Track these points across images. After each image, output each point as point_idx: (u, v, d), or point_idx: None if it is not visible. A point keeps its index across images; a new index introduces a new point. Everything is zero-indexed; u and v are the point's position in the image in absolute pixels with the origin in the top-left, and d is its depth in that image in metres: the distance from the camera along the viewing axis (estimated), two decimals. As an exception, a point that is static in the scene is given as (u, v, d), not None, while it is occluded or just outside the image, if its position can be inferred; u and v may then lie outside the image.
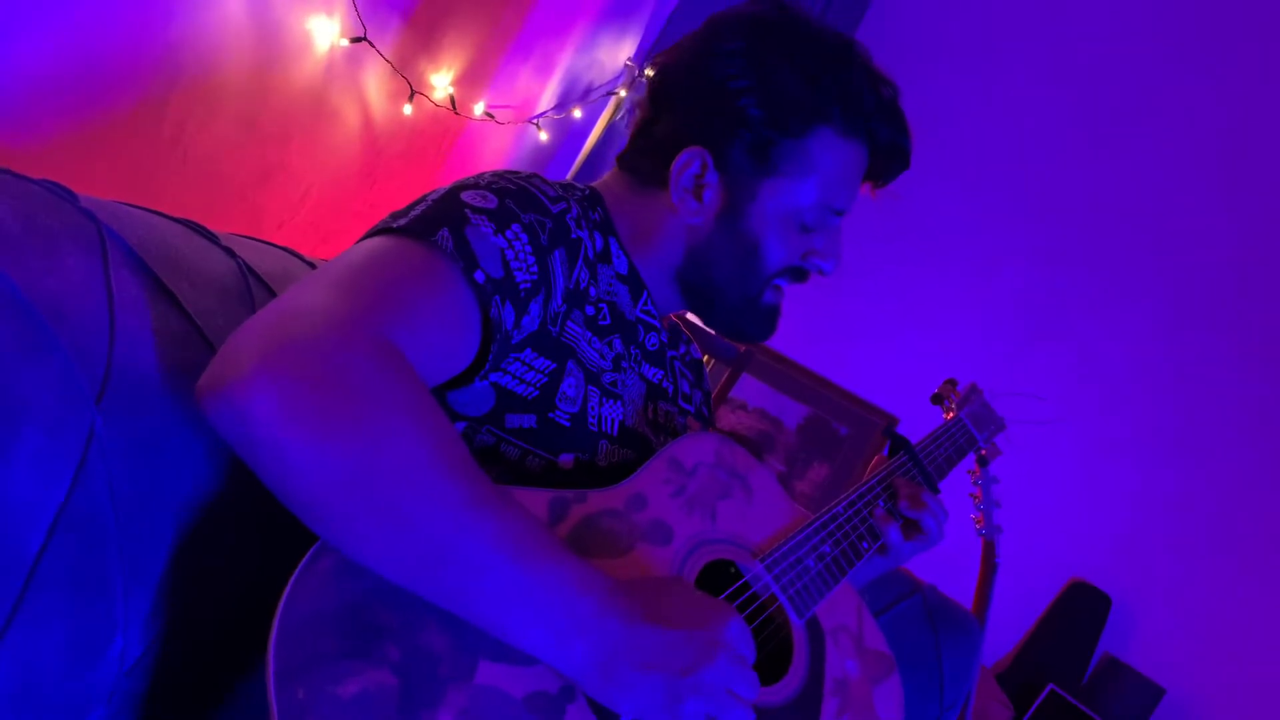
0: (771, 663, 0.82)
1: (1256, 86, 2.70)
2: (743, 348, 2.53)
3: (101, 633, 0.62)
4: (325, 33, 1.57)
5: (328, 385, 0.56)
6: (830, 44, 0.89)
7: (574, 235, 0.81)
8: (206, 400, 0.56)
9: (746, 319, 0.95)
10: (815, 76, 0.87)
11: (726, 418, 2.66)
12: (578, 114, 2.29)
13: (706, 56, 0.88)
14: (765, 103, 0.86)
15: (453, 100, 1.90)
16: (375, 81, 1.74)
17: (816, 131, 0.88)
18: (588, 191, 0.92)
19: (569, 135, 2.33)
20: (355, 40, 1.62)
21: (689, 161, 0.88)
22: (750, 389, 2.74)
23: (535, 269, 0.75)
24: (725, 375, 2.63)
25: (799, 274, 0.94)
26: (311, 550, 0.58)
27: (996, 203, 2.93)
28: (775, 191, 0.89)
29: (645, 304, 0.93)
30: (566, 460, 0.79)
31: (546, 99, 2.21)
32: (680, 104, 0.90)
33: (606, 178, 0.97)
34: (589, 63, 2.27)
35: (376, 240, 0.70)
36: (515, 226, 0.74)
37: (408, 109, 1.82)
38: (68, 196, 0.67)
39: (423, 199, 0.75)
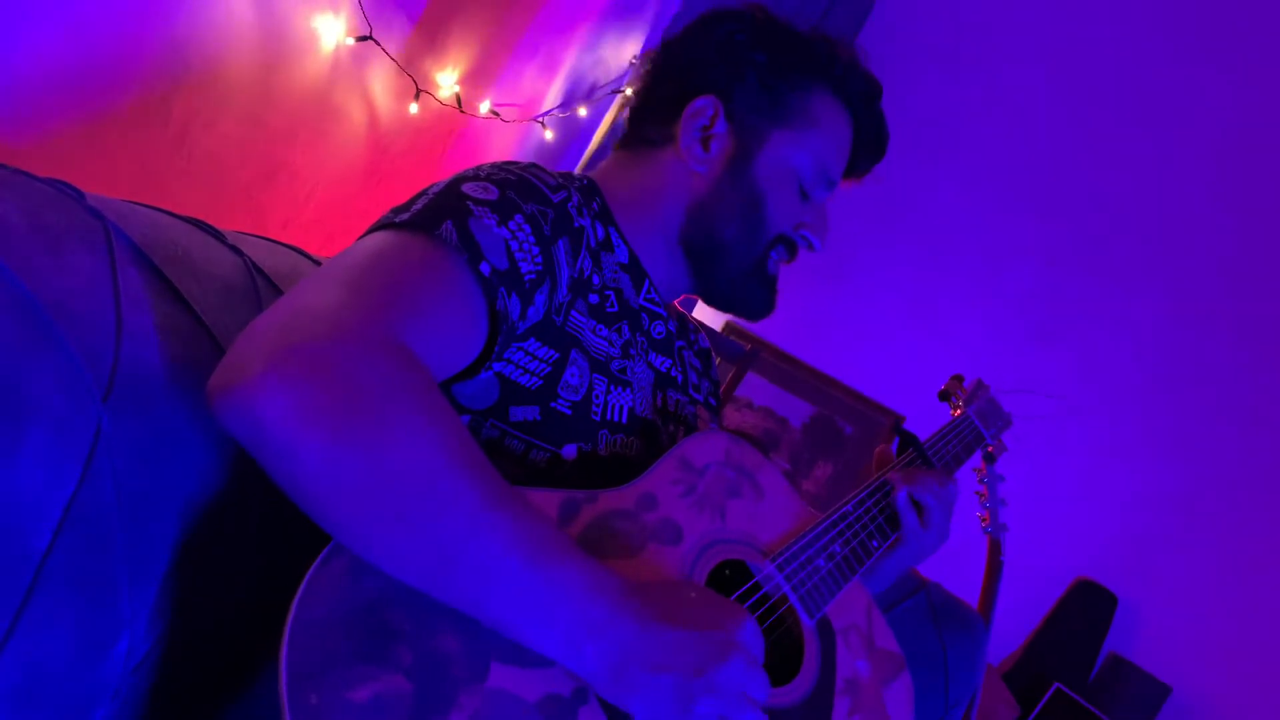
0: (783, 663, 0.82)
1: (1258, 87, 2.69)
2: (748, 346, 2.53)
3: (107, 630, 0.62)
4: (331, 31, 1.57)
5: (340, 386, 0.55)
6: (818, 38, 0.97)
7: (576, 224, 0.81)
8: (217, 402, 0.55)
9: (748, 286, 0.96)
10: (809, 44, 0.95)
11: (732, 416, 2.65)
12: (583, 112, 2.29)
13: (708, 24, 0.95)
14: (768, 50, 0.92)
15: (458, 99, 1.90)
16: (381, 80, 1.74)
17: (817, 88, 0.94)
18: (585, 181, 0.93)
19: (574, 134, 2.33)
20: (361, 39, 1.61)
21: (701, 109, 0.92)
22: (756, 387, 2.73)
23: (540, 259, 0.75)
24: (731, 374, 2.62)
25: (790, 246, 0.97)
26: (324, 552, 0.57)
27: (1001, 203, 2.92)
28: (782, 142, 0.93)
29: (648, 292, 0.93)
30: (569, 452, 0.79)
31: (552, 97, 2.21)
32: (686, 62, 0.95)
33: (603, 166, 0.99)
34: (594, 61, 2.27)
35: (380, 236, 0.69)
36: (518, 217, 0.74)
37: (413, 108, 1.82)
38: (74, 195, 0.67)
39: (424, 193, 0.74)
